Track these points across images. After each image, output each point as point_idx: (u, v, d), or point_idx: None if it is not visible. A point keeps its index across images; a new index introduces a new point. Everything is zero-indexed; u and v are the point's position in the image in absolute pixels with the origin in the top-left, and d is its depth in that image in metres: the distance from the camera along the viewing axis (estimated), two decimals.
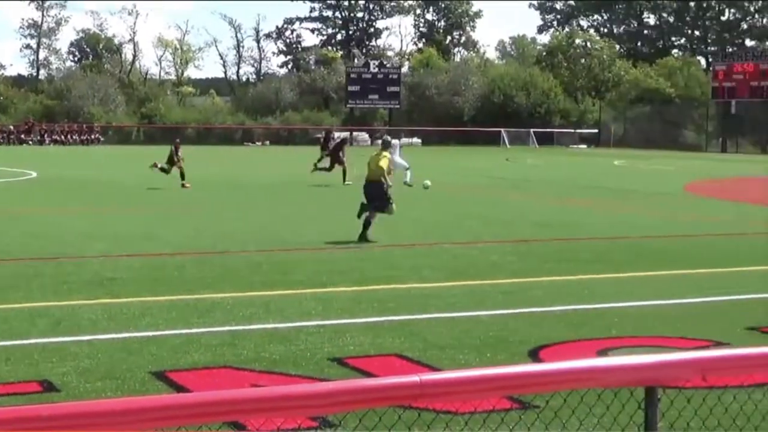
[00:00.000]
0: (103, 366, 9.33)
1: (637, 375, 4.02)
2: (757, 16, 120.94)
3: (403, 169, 34.80)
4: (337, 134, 39.13)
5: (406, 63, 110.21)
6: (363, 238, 18.83)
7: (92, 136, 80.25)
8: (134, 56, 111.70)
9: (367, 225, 19.02)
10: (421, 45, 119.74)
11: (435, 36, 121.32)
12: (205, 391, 6.58)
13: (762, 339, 10.63)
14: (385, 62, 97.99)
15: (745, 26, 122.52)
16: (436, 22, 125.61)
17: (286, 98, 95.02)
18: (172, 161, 33.08)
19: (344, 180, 34.54)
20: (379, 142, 23.48)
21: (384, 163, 19.43)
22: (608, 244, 19.60)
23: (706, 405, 6.78)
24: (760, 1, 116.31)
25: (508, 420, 7.27)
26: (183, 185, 32.17)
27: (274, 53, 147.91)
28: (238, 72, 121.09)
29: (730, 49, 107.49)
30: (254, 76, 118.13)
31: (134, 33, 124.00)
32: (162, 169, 33.18)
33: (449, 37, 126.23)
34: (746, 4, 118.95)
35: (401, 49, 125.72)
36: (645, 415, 4.09)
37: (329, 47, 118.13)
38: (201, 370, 9.21)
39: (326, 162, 36.83)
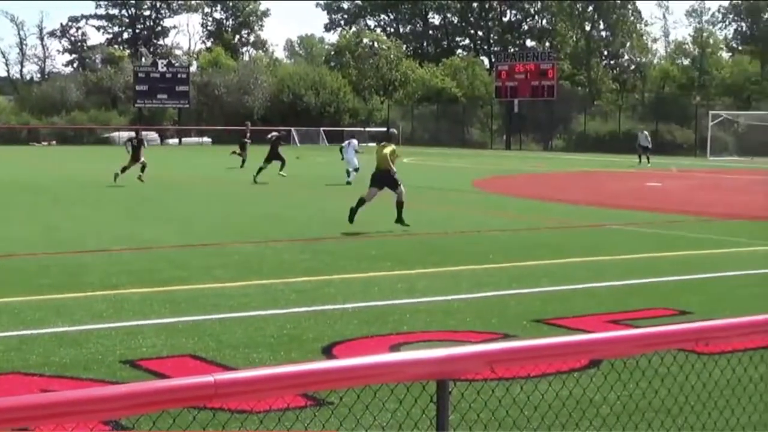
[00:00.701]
0: None
1: (429, 369, 4.09)
2: (537, 17, 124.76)
3: (352, 168, 36.91)
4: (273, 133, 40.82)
5: (195, 62, 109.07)
6: (400, 220, 21.69)
7: None
8: None
9: (354, 211, 22.04)
10: (209, 44, 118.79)
11: (223, 35, 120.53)
12: None
13: (547, 330, 10.98)
14: (173, 61, 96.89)
15: (526, 27, 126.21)
16: (225, 21, 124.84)
17: (72, 97, 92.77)
18: None
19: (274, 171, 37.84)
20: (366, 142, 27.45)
21: (387, 151, 22.38)
22: (398, 240, 19.88)
23: (495, 396, 6.99)
24: (540, 3, 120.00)
25: (303, 417, 7.31)
26: None
27: (59, 51, 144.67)
28: (21, 70, 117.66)
29: (512, 50, 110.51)
30: (39, 75, 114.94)
31: None
32: None
33: (238, 36, 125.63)
34: (527, 5, 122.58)
35: (190, 48, 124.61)
36: (437, 408, 4.17)
37: (116, 46, 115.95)
38: None
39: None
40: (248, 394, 3.75)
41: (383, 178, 22.52)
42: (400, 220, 21.67)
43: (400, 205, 21.86)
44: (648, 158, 57.97)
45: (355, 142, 38.74)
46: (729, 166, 59.54)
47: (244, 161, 45.80)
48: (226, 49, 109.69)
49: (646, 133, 61.26)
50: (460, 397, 6.91)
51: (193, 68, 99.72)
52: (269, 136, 40.99)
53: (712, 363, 8.17)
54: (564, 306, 12.64)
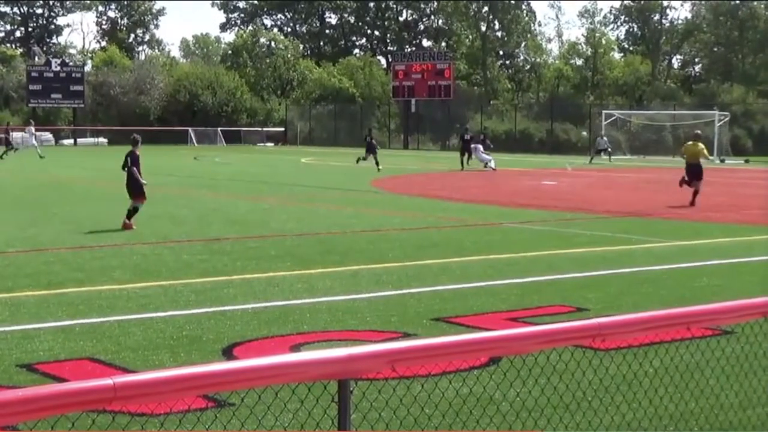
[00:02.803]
0: None
1: (330, 369, 4.09)
2: (433, 17, 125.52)
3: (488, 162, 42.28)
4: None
5: (90, 61, 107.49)
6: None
7: None
8: None
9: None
10: (104, 43, 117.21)
11: (118, 34, 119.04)
12: None
13: (447, 329, 11.06)
14: (67, 60, 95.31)
15: (422, 27, 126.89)
16: (119, 20, 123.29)
17: None
18: None
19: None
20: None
21: (701, 147, 29.60)
22: (297, 240, 19.85)
23: (396, 395, 7.01)
24: (435, 3, 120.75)
25: (204, 419, 7.27)
26: None
27: None
28: None
29: (409, 50, 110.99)
30: None
31: None
32: None
33: (133, 35, 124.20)
34: (423, 5, 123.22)
35: (84, 46, 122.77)
36: (338, 407, 4.18)
37: (8, 45, 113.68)
38: None
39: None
40: (148, 397, 3.71)
41: (696, 170, 29.00)
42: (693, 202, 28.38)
43: (695, 194, 28.59)
44: (609, 156, 63.24)
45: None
46: (622, 164, 60.56)
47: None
48: (121, 48, 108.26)
49: (605, 138, 65.18)
50: (362, 397, 6.94)
51: (87, 67, 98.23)
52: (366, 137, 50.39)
53: (608, 359, 8.31)
54: (463, 304, 12.74)
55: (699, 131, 32.75)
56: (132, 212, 21.62)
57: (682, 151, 31.89)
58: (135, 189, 21.88)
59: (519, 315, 11.96)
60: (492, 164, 49.42)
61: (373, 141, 51.38)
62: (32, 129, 62.76)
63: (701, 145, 29.84)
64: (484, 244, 19.52)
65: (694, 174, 29.24)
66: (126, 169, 22.03)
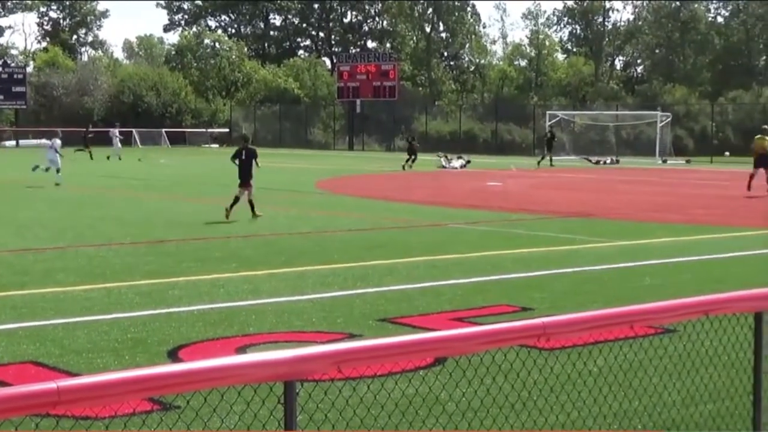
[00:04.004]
0: None
1: (275, 370, 4.09)
2: (377, 18, 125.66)
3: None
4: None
5: (32, 62, 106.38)
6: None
7: None
8: None
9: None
10: (46, 44, 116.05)
11: (61, 34, 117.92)
12: None
13: (393, 329, 11.07)
14: (9, 61, 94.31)
15: (366, 28, 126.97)
16: (62, 21, 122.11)
17: None
18: None
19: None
20: None
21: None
22: (242, 241, 19.79)
23: (342, 396, 7.03)
24: (380, 4, 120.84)
25: (150, 422, 7.23)
26: None
27: None
28: None
29: (354, 51, 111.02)
30: None
31: None
32: None
33: (76, 36, 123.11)
34: (367, 6, 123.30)
35: (26, 47, 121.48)
36: (284, 409, 4.18)
37: None
38: None
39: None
40: (93, 400, 3.68)
41: (763, 160, 33.78)
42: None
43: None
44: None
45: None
46: (566, 164, 60.95)
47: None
48: (63, 49, 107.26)
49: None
50: (308, 398, 6.94)
51: (29, 68, 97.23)
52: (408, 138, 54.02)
53: (553, 358, 8.38)
54: (409, 305, 12.77)
55: (766, 126, 36.20)
56: (237, 201, 24.21)
57: (751, 146, 36.25)
58: (249, 179, 24.89)
59: (464, 315, 12.01)
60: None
61: (416, 143, 54.82)
62: None
63: None
64: (429, 244, 19.58)
65: (763, 163, 34.55)
66: (238, 160, 25.28)
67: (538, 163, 57.60)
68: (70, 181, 36.73)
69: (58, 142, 37.72)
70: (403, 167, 52.00)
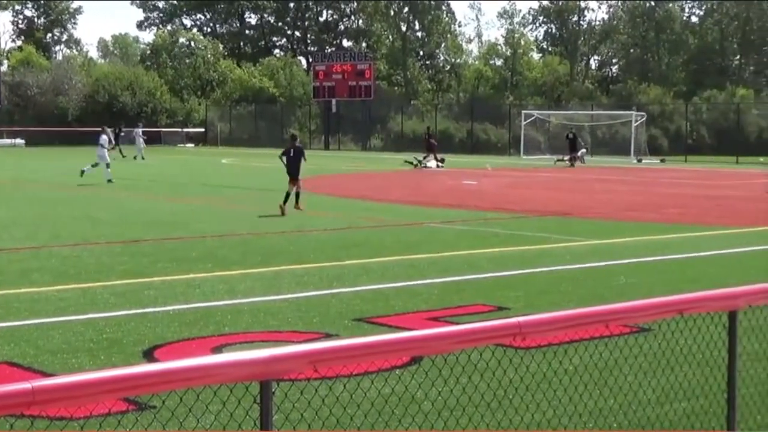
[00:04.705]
0: None
1: (251, 370, 4.08)
2: (353, 17, 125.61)
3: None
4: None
5: (6, 61, 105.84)
6: None
7: None
8: None
9: None
10: (20, 42, 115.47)
11: (35, 33, 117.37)
12: None
13: (368, 329, 11.08)
14: None
15: (342, 27, 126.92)
16: (36, 19, 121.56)
17: None
18: None
19: None
20: None
21: None
22: (218, 241, 19.75)
23: (318, 395, 7.03)
24: (356, 3, 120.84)
25: (125, 422, 7.21)
26: None
27: None
28: None
29: (329, 50, 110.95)
30: None
31: None
32: None
33: (50, 35, 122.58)
34: (343, 6, 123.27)
35: (0, 46, 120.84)
36: (260, 408, 4.18)
37: None
38: None
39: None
40: (68, 400, 3.67)
41: None
42: None
43: None
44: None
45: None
46: (541, 164, 61.14)
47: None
48: (38, 48, 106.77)
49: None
50: (284, 397, 6.93)
51: (3, 67, 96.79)
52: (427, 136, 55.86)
53: (529, 357, 8.40)
54: (384, 304, 12.79)
55: None
56: (288, 197, 26.17)
57: None
58: (297, 174, 26.61)
59: (440, 314, 12.03)
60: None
61: (433, 140, 56.66)
62: None
63: None
64: (405, 244, 19.60)
65: None
66: (286, 158, 27.06)
67: (572, 164, 58.12)
68: (49, 180, 36.57)
69: (104, 137, 38.33)
70: (414, 165, 53.28)
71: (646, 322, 8.62)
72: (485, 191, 36.09)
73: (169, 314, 11.92)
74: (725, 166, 59.32)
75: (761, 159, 62.81)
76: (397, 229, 22.62)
